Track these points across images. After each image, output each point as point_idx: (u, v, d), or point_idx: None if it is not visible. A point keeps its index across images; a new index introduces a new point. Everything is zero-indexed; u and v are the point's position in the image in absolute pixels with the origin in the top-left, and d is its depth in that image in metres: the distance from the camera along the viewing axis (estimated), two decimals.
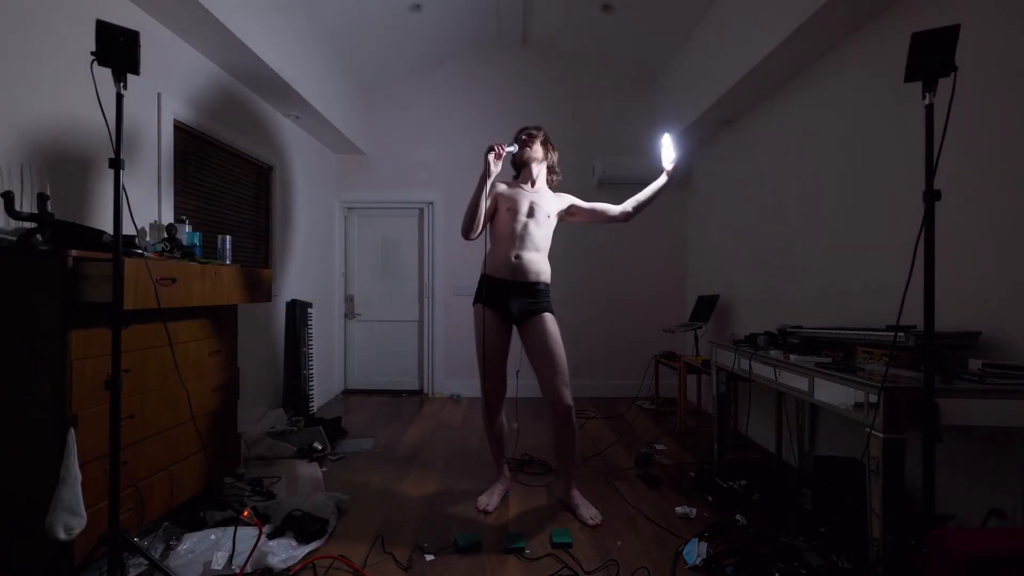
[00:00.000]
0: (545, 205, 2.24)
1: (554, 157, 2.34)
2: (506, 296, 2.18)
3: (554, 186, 2.38)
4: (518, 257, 2.16)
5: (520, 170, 2.33)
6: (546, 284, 2.23)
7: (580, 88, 4.47)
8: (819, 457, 2.24)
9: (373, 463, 2.78)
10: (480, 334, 2.20)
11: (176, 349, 1.87)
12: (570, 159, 4.41)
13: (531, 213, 2.19)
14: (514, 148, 2.21)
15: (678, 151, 2.35)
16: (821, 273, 2.58)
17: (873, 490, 1.47)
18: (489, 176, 2.05)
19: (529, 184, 2.28)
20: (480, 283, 2.26)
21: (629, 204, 2.37)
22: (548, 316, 2.18)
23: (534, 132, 2.28)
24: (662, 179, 2.33)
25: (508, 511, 2.20)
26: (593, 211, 2.37)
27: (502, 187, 2.28)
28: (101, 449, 1.54)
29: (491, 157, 2.03)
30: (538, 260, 2.20)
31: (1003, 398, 1.41)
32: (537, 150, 2.26)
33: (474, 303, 2.26)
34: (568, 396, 2.12)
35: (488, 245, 2.29)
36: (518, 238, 2.17)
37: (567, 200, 2.34)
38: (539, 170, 2.29)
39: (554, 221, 2.27)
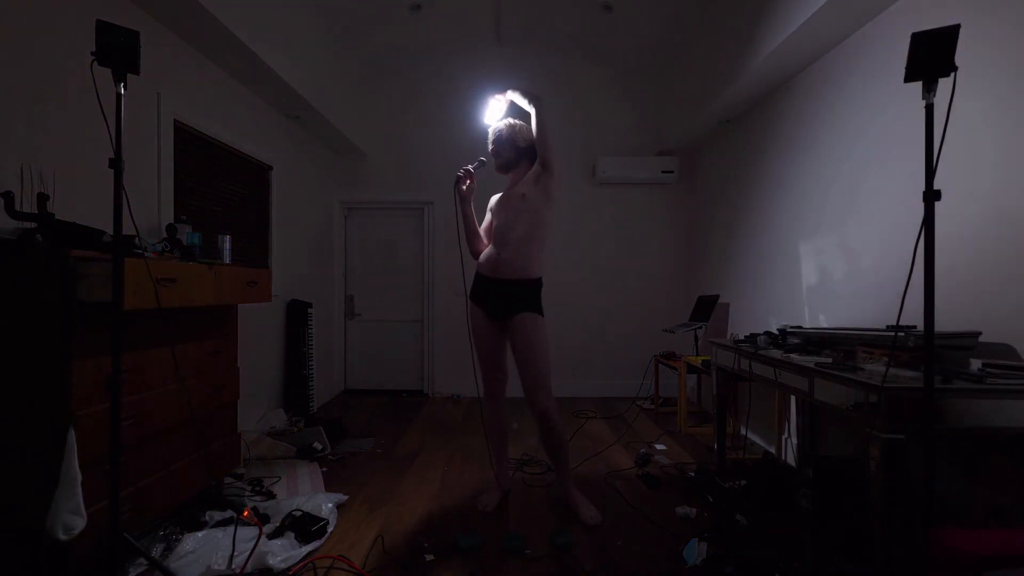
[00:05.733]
0: (520, 187, 2.16)
1: (522, 133, 2.19)
2: (486, 293, 2.20)
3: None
4: (499, 255, 2.16)
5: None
6: (529, 280, 2.12)
7: (581, 88, 4.47)
8: (819, 457, 2.23)
9: (373, 463, 2.78)
10: (469, 328, 2.26)
11: (176, 349, 1.87)
12: (571, 159, 4.42)
13: (508, 205, 2.18)
14: (480, 161, 2.27)
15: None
16: (821, 272, 2.58)
17: (873, 490, 1.46)
18: (464, 202, 2.24)
19: (512, 176, 2.25)
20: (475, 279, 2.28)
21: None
22: (526, 316, 2.09)
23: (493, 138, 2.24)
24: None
25: (508, 511, 2.20)
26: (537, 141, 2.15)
27: (494, 199, 2.31)
28: (101, 449, 1.54)
29: (459, 189, 2.21)
30: (520, 255, 2.10)
31: (1003, 398, 1.40)
32: (502, 148, 2.21)
33: (468, 297, 2.29)
34: (542, 399, 2.07)
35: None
36: (499, 235, 2.19)
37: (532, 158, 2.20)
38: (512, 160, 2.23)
39: (536, 197, 2.10)
